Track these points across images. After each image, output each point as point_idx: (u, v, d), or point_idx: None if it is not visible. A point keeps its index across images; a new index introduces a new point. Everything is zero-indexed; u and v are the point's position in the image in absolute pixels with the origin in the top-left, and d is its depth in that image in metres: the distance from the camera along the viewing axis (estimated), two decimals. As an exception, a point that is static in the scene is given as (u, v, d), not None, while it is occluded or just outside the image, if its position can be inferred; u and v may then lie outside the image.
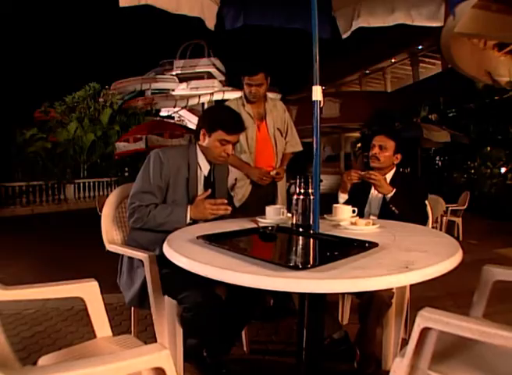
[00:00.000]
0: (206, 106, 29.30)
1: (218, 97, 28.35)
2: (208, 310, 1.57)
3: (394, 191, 1.98)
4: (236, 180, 2.58)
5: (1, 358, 1.02)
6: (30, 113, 16.51)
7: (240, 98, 2.62)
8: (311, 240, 1.43)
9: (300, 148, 2.73)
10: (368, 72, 21.32)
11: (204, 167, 1.87)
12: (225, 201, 1.75)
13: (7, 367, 1.01)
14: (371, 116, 13.86)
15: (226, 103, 2.63)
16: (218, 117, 1.80)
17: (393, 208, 1.95)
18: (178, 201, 1.77)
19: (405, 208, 1.94)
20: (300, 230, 1.45)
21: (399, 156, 2.16)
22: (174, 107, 29.10)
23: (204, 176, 1.87)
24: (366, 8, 2.49)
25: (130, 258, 1.76)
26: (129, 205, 1.73)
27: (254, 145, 2.55)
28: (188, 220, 1.69)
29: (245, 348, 2.06)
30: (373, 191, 2.14)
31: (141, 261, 1.65)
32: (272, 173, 2.50)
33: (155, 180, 1.72)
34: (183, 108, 28.96)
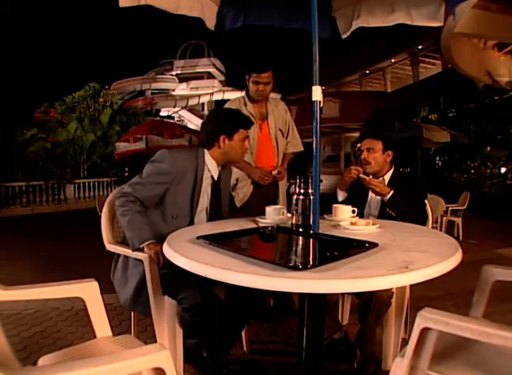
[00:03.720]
0: (206, 106, 29.39)
1: (218, 97, 28.37)
2: (207, 310, 1.57)
3: (391, 193, 1.97)
4: (237, 180, 2.57)
5: (1, 359, 1.02)
6: (30, 113, 16.46)
7: (242, 97, 2.62)
8: (311, 240, 1.43)
9: (301, 149, 2.73)
10: (367, 72, 21.33)
11: (214, 170, 1.88)
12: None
13: (7, 367, 1.01)
14: (371, 116, 13.87)
15: (228, 103, 2.64)
16: (234, 118, 1.88)
17: (390, 212, 1.95)
18: (179, 203, 1.78)
19: (404, 208, 1.94)
20: (300, 230, 1.45)
21: (390, 153, 2.13)
22: (174, 107, 29.13)
23: (213, 179, 1.89)
24: (366, 9, 2.48)
25: (125, 259, 1.76)
26: (124, 191, 1.74)
27: (255, 145, 2.55)
28: (138, 246, 1.65)
29: (245, 348, 2.06)
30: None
31: (139, 260, 1.65)
32: (274, 172, 2.51)
33: (154, 178, 1.73)
34: (183, 108, 28.98)
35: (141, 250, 1.65)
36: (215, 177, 1.89)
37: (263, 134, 2.58)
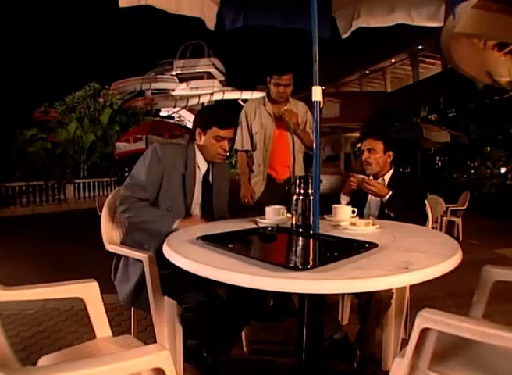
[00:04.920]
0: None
1: (218, 97, 28.37)
2: (210, 310, 1.57)
3: (390, 194, 1.97)
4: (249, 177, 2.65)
5: (2, 359, 1.02)
6: (30, 113, 16.50)
7: (263, 97, 2.68)
8: (311, 240, 1.43)
9: (312, 146, 2.72)
10: (367, 72, 21.31)
11: (203, 166, 1.88)
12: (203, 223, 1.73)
13: (7, 367, 1.01)
14: (371, 116, 13.88)
15: (248, 102, 2.74)
16: (210, 114, 1.86)
17: (389, 213, 1.95)
18: (171, 195, 1.78)
19: (403, 209, 1.94)
20: (300, 230, 1.45)
21: (391, 154, 2.14)
22: (174, 107, 29.14)
23: (203, 176, 1.89)
24: (366, 9, 2.48)
25: (126, 256, 1.76)
26: (120, 195, 1.75)
27: (270, 144, 2.60)
28: (173, 227, 1.68)
29: (245, 348, 2.06)
30: None
31: (139, 260, 1.65)
32: (283, 109, 2.52)
33: (149, 174, 1.74)
34: (183, 108, 29.00)
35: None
36: (203, 171, 1.88)
37: (279, 133, 2.62)
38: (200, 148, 1.86)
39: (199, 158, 1.87)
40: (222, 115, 1.83)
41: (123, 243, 1.85)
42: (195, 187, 1.84)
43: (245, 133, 2.65)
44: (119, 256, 1.82)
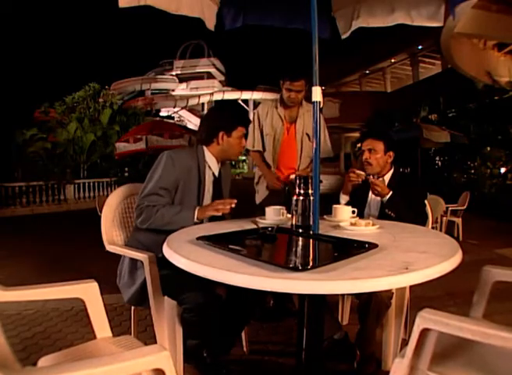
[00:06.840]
0: (206, 106, 29.41)
1: (218, 97, 28.40)
2: (209, 311, 1.57)
3: (390, 194, 1.97)
4: (259, 178, 2.67)
5: (1, 359, 1.02)
6: (30, 113, 16.45)
7: (276, 99, 2.70)
8: (311, 241, 1.43)
9: (330, 154, 2.73)
10: (367, 72, 21.33)
11: (214, 167, 1.90)
12: (234, 201, 1.75)
13: (7, 368, 1.01)
14: (371, 116, 13.89)
15: (261, 104, 2.79)
16: (234, 115, 1.89)
17: (389, 213, 1.95)
18: (187, 202, 1.78)
19: (403, 209, 1.94)
20: (300, 230, 1.45)
21: (391, 154, 2.14)
22: (174, 107, 29.19)
23: (214, 176, 1.90)
24: (366, 9, 2.48)
25: (132, 260, 1.75)
26: (137, 206, 1.73)
27: (279, 146, 2.62)
28: (195, 220, 1.70)
29: (245, 349, 2.06)
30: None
31: (141, 261, 1.65)
32: (292, 176, 2.53)
33: (166, 181, 1.73)
34: (183, 108, 29.04)
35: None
36: (216, 174, 1.90)
37: (289, 137, 2.63)
38: (219, 150, 1.86)
39: (210, 160, 1.87)
40: (244, 114, 1.92)
41: (128, 245, 1.84)
42: (205, 190, 1.86)
43: (257, 133, 2.66)
44: (123, 262, 1.82)
